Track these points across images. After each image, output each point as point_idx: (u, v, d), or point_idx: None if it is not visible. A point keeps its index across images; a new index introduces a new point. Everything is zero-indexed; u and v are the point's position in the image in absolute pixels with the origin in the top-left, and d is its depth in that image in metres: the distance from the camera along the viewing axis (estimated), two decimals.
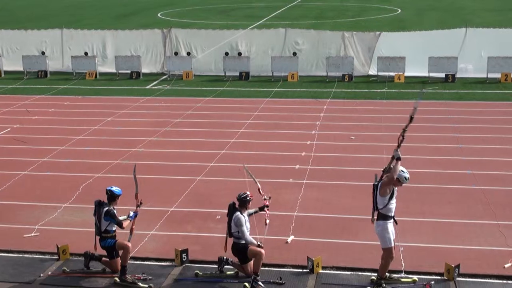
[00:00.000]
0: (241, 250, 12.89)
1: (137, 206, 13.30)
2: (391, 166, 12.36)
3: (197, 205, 16.93)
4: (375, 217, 12.55)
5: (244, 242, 12.82)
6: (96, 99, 30.80)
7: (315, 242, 14.61)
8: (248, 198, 13.08)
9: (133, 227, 13.32)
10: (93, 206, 13.16)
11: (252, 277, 12.61)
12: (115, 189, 13.10)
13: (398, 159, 12.23)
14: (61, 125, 25.54)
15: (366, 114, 26.24)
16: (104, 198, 13.10)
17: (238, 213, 12.91)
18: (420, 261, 13.51)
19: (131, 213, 13.21)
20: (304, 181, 18.54)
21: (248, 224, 12.96)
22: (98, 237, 13.11)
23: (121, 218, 13.03)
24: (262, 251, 12.69)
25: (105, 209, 12.90)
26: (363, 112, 26.63)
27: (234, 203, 13.08)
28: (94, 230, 13.22)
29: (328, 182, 18.53)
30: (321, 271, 13.24)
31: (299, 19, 60.13)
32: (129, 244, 13.00)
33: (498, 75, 32.75)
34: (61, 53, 38.44)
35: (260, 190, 13.72)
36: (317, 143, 22.27)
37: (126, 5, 78.23)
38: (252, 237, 12.93)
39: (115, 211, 12.96)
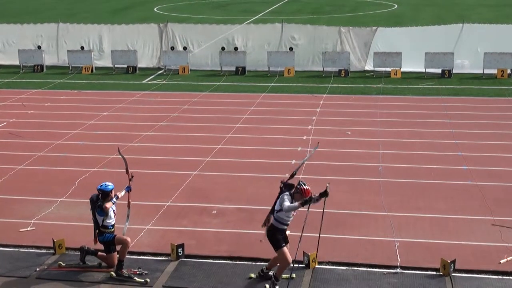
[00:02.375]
0: (278, 232, 12.41)
1: (130, 180, 13.45)
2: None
3: (193, 199, 16.93)
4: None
5: (283, 227, 12.43)
6: (92, 93, 30.74)
7: (310, 237, 14.59)
8: (297, 189, 12.26)
9: (130, 200, 13.42)
10: (89, 201, 13.18)
11: (272, 279, 12.46)
12: (105, 186, 13.01)
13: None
14: (57, 119, 25.50)
15: (362, 110, 26.25)
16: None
17: (286, 194, 12.29)
18: (416, 257, 13.54)
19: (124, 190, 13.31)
20: (300, 176, 18.50)
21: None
22: (96, 231, 13.10)
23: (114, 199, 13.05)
24: (289, 258, 12.32)
25: (98, 203, 12.90)
26: (359, 107, 26.64)
27: (285, 185, 12.54)
28: (89, 224, 13.27)
29: (324, 177, 18.49)
30: (317, 266, 13.26)
31: (296, 14, 60.10)
32: (129, 239, 13.02)
33: (494, 71, 32.77)
34: (57, 47, 38.34)
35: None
36: (313, 138, 22.27)
37: None
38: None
39: (105, 204, 12.92)
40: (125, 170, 13.61)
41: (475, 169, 18.95)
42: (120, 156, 13.87)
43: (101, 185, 13.06)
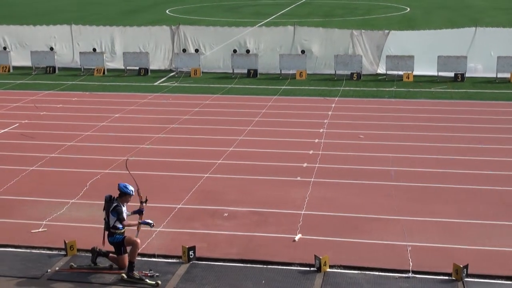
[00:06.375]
0: None
1: (141, 202, 13.25)
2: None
3: (204, 202, 16.91)
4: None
5: None
6: (104, 95, 30.80)
7: (322, 241, 14.58)
8: None
9: (140, 222, 13.27)
10: (101, 201, 13.18)
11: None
12: (125, 187, 13.02)
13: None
14: (69, 121, 25.55)
15: (374, 113, 26.17)
16: (114, 193, 13.09)
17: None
18: (428, 261, 13.46)
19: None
20: (312, 180, 18.50)
21: None
22: (106, 232, 13.11)
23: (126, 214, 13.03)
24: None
25: (114, 204, 12.90)
26: (372, 111, 26.57)
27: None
28: (101, 226, 13.24)
29: (336, 180, 18.49)
30: (328, 269, 13.21)
31: (308, 17, 60.07)
32: (138, 241, 12.99)
33: (507, 75, 32.59)
34: (69, 49, 38.42)
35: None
36: (325, 141, 22.22)
37: (134, 1, 78.29)
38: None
39: (123, 209, 12.95)
40: (136, 191, 13.31)
41: (489, 173, 18.83)
42: (128, 172, 13.70)
43: (124, 184, 13.06)
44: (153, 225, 13.22)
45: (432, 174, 18.89)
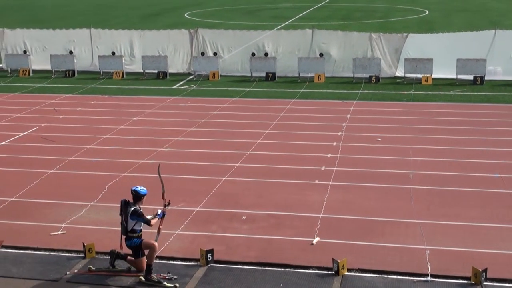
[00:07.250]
0: None
1: (165, 206, 13.32)
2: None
3: (222, 205, 16.92)
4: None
5: None
6: (123, 98, 30.93)
7: (340, 244, 14.54)
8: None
9: (161, 226, 13.36)
10: (119, 205, 13.23)
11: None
12: (140, 188, 13.15)
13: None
14: (88, 124, 25.69)
15: (392, 116, 26.08)
16: (130, 198, 13.15)
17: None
18: (447, 265, 13.39)
19: (159, 212, 13.27)
20: (330, 183, 18.46)
21: None
22: (123, 237, 13.16)
23: (148, 217, 13.08)
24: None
25: (132, 208, 12.94)
26: (390, 114, 26.47)
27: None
28: (119, 228, 13.29)
29: (354, 183, 18.43)
30: (346, 273, 13.17)
31: (326, 20, 59.99)
32: (156, 244, 13.03)
33: None
34: (88, 53, 38.64)
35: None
36: (343, 144, 22.17)
37: (153, 5, 78.61)
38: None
39: (141, 211, 13.02)
40: (161, 194, 13.45)
41: (508, 176, 18.71)
42: (158, 175, 13.70)
43: (136, 187, 13.16)
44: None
45: (451, 177, 18.79)
